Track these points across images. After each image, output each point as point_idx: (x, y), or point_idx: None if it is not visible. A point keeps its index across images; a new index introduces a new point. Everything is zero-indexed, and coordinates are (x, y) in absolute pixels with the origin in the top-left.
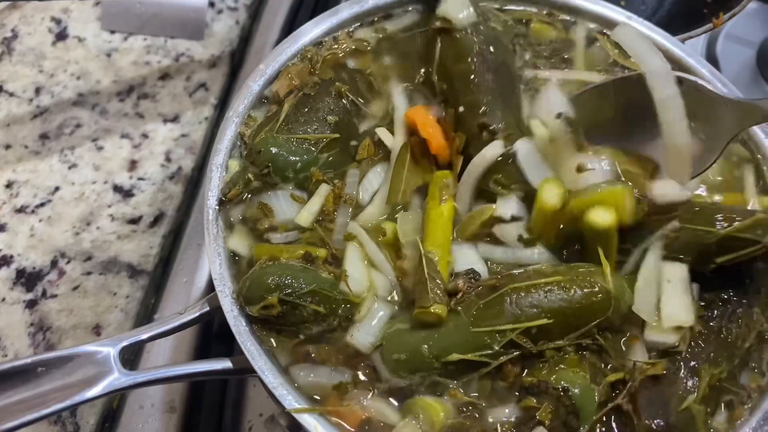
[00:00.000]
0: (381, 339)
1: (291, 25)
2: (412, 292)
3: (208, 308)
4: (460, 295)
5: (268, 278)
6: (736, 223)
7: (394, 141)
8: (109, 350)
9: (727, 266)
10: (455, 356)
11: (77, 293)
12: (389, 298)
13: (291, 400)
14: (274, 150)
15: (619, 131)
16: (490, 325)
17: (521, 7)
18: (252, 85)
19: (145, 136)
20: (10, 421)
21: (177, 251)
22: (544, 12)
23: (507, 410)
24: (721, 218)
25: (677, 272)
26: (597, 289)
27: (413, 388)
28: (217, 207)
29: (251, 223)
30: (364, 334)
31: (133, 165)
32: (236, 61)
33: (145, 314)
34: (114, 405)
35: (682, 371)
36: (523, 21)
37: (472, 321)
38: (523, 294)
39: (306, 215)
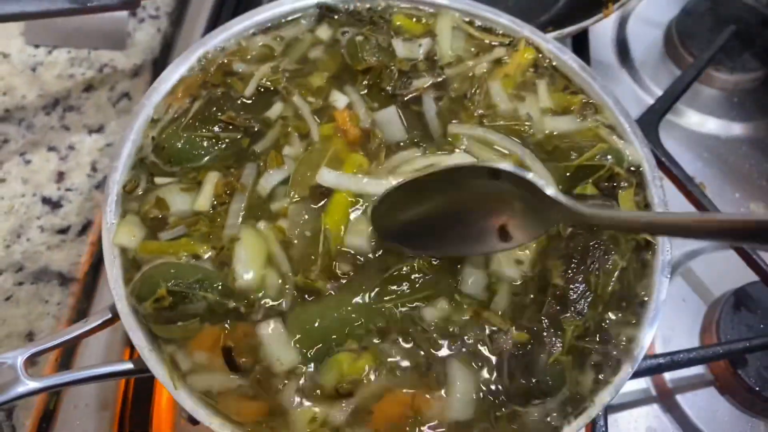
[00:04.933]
0: (298, 342)
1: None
2: (301, 264)
3: (110, 315)
4: (348, 274)
5: (156, 275)
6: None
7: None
8: (15, 360)
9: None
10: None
11: (10, 303)
12: (282, 305)
13: (188, 402)
14: (178, 145)
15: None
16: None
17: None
18: (146, 102)
19: (71, 147)
20: None
21: None
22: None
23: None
24: (573, 153)
25: None
26: None
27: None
28: (115, 222)
29: (146, 221)
30: (284, 359)
31: (60, 177)
32: (159, 68)
33: (79, 319)
34: (51, 406)
35: (550, 330)
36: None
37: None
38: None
39: (202, 201)
